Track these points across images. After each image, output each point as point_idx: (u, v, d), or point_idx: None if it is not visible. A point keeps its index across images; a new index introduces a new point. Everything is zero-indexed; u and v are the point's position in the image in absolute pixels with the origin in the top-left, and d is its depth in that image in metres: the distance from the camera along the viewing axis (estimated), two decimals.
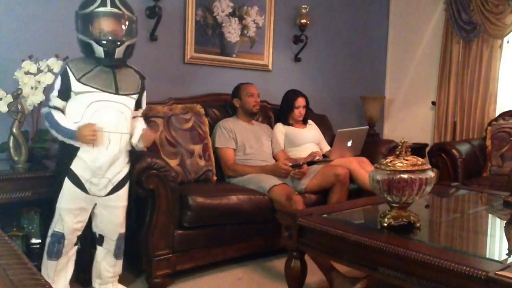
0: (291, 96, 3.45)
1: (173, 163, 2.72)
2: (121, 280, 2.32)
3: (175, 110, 2.95)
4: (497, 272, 1.35)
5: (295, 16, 3.96)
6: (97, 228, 2.16)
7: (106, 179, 2.04)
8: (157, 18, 3.13)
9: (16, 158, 2.31)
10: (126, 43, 2.01)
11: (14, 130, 2.29)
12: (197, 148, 2.91)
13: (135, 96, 2.13)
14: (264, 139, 3.25)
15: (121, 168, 2.09)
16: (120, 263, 2.22)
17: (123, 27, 2.01)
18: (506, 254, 1.69)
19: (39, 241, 2.44)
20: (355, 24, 4.53)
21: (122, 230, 2.18)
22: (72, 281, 2.19)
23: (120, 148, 2.06)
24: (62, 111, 2.02)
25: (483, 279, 1.36)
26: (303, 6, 3.87)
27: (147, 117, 2.74)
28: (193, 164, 2.86)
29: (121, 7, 1.99)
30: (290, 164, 2.96)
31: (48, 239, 2.05)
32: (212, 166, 3.00)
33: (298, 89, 3.52)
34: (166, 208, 2.35)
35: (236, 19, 3.61)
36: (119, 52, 1.99)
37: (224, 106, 3.37)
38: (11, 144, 2.31)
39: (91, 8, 1.94)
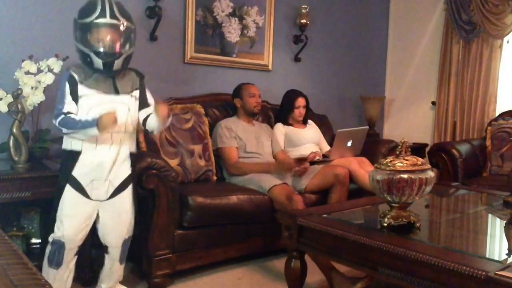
0: (291, 96, 3.45)
1: (173, 163, 2.72)
2: (121, 280, 2.32)
3: (175, 110, 2.95)
4: (497, 272, 1.35)
5: (295, 16, 3.96)
6: (101, 238, 2.12)
7: (107, 181, 2.01)
8: (157, 18, 3.13)
9: (16, 158, 2.31)
10: (124, 55, 1.99)
11: (14, 130, 2.29)
12: (197, 148, 2.91)
13: (136, 94, 2.10)
14: (264, 139, 3.26)
15: (123, 170, 2.06)
16: (123, 266, 2.22)
17: (122, 38, 1.99)
18: (506, 254, 1.69)
19: (39, 241, 2.45)
20: (355, 24, 4.53)
21: (128, 235, 2.14)
22: (72, 281, 2.19)
23: (123, 148, 2.04)
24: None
25: (483, 279, 1.36)
26: (303, 6, 3.87)
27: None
28: (193, 164, 2.86)
29: (120, 17, 1.97)
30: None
31: (48, 246, 2.01)
32: (212, 166, 3.00)
33: (298, 89, 3.53)
34: (166, 208, 2.35)
35: (236, 19, 3.61)
36: (117, 64, 1.98)
37: (224, 106, 3.37)
38: (11, 144, 2.31)
39: (91, 18, 1.91)
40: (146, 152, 2.60)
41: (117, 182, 2.04)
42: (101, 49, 1.93)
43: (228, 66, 3.62)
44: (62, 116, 1.93)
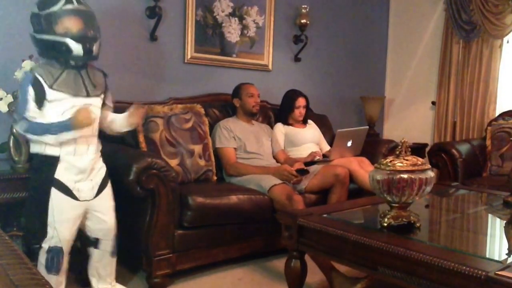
0: (291, 96, 3.45)
1: (173, 163, 2.72)
2: (121, 280, 2.32)
3: (175, 110, 2.95)
4: (497, 272, 1.35)
5: (295, 16, 3.96)
6: (91, 232, 2.12)
7: (90, 180, 2.03)
8: (157, 18, 3.13)
9: (16, 158, 2.31)
10: (99, 40, 1.98)
11: (14, 130, 2.29)
12: (197, 148, 2.91)
13: (103, 96, 2.10)
14: (264, 139, 3.26)
15: (100, 168, 2.10)
16: (115, 260, 2.21)
17: (94, 24, 1.98)
18: (506, 254, 1.69)
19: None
20: (355, 24, 4.53)
21: (115, 229, 2.17)
22: (72, 281, 2.19)
23: (97, 148, 2.08)
24: None
25: (483, 279, 1.36)
26: (303, 6, 3.87)
27: (147, 117, 2.75)
28: (193, 164, 2.86)
29: (84, 4, 1.97)
30: (296, 169, 2.93)
31: (44, 255, 1.97)
32: (212, 166, 3.00)
33: (298, 89, 3.53)
34: (166, 208, 2.35)
35: (236, 19, 3.61)
36: (96, 49, 1.97)
37: (224, 106, 3.37)
38: (11, 144, 2.31)
39: (58, 6, 1.87)
40: (146, 152, 2.60)
41: (99, 180, 2.07)
42: (79, 33, 1.90)
43: (228, 66, 3.62)
44: (28, 123, 1.88)
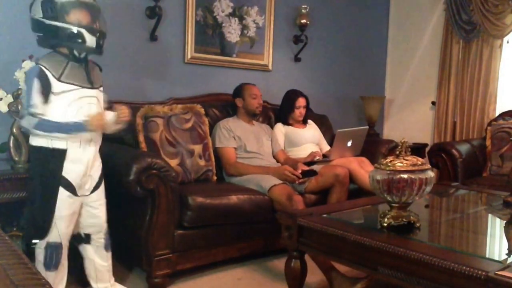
0: (291, 96, 3.45)
1: (173, 163, 2.72)
2: (121, 280, 2.32)
3: (175, 110, 2.95)
4: (497, 272, 1.35)
5: (295, 16, 3.96)
6: (83, 228, 2.12)
7: (89, 176, 2.04)
8: (157, 18, 3.13)
9: (16, 158, 2.31)
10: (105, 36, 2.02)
11: (14, 130, 2.30)
12: (197, 148, 2.91)
13: (101, 88, 2.11)
14: (265, 139, 3.26)
15: (99, 164, 2.11)
16: (110, 255, 2.20)
17: (102, 18, 2.02)
18: (506, 254, 1.69)
19: (37, 241, 2.44)
20: (355, 24, 4.53)
21: (106, 225, 2.17)
22: (72, 281, 2.19)
23: (97, 144, 2.08)
24: None
25: (483, 279, 1.36)
26: (303, 6, 3.87)
27: (147, 117, 2.75)
28: (193, 164, 2.86)
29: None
30: (301, 170, 2.91)
31: (42, 252, 1.97)
32: (212, 166, 3.00)
33: (298, 89, 3.53)
34: (166, 208, 2.35)
35: (236, 19, 3.61)
36: (105, 44, 2.00)
37: (224, 106, 3.37)
38: (11, 144, 2.31)
39: None
40: (146, 152, 2.60)
41: (96, 177, 2.08)
42: (91, 26, 1.94)
43: (228, 66, 3.62)
44: (37, 120, 1.86)
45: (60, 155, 1.93)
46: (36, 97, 1.86)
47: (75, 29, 1.88)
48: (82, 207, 2.07)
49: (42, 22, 1.90)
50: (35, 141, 1.95)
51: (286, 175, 2.86)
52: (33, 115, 1.86)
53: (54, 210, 1.94)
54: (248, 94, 3.20)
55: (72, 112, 1.91)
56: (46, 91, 1.87)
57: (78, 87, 1.94)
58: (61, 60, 1.93)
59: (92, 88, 2.01)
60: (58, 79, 1.88)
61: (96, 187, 2.08)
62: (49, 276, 1.98)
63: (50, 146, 1.92)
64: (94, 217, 2.11)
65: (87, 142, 2.00)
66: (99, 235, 2.15)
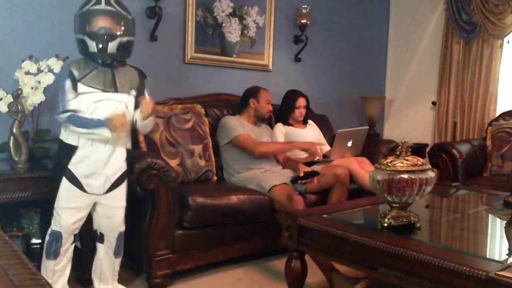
0: (291, 96, 3.45)
1: (173, 163, 2.72)
2: (121, 280, 2.32)
3: (175, 110, 2.95)
4: (497, 272, 1.35)
5: (295, 16, 3.96)
6: (97, 227, 2.17)
7: (104, 176, 2.05)
8: (157, 18, 3.13)
9: (16, 158, 2.31)
10: (119, 39, 2.02)
11: (14, 130, 2.30)
12: (197, 148, 2.91)
13: (134, 93, 2.14)
14: (265, 139, 3.25)
15: (119, 166, 2.10)
16: (118, 261, 2.22)
17: (117, 24, 2.03)
18: (506, 254, 1.69)
19: (39, 241, 2.44)
20: (355, 24, 4.53)
21: (122, 228, 2.18)
22: (72, 281, 2.19)
23: (118, 145, 2.08)
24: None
25: (483, 279, 1.36)
26: (303, 6, 3.87)
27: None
28: (193, 164, 2.86)
29: (115, 5, 2.04)
30: (304, 172, 2.93)
31: (46, 238, 2.06)
32: (212, 166, 3.00)
33: (298, 89, 3.52)
34: (166, 208, 2.35)
35: (236, 19, 3.61)
36: (111, 47, 2.01)
37: (225, 106, 3.37)
38: (11, 144, 2.31)
39: (88, 6, 2.00)
40: (146, 152, 2.60)
41: (113, 178, 2.08)
42: (96, 32, 1.98)
43: (228, 66, 3.62)
44: (70, 113, 1.96)
45: (70, 149, 2.01)
46: (70, 95, 1.99)
47: (79, 37, 2.01)
48: (97, 205, 2.11)
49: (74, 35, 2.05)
50: (60, 135, 2.08)
51: (314, 149, 2.97)
52: (67, 111, 1.97)
53: (56, 200, 2.02)
54: (263, 99, 3.20)
55: (89, 113, 1.98)
56: (74, 90, 1.99)
57: (97, 91, 2.01)
58: (91, 65, 2.04)
59: (116, 92, 2.05)
60: (79, 80, 1.99)
61: (112, 188, 2.09)
62: (47, 264, 2.04)
63: (65, 140, 2.04)
64: (108, 217, 2.13)
65: (102, 142, 2.02)
66: (112, 237, 2.16)
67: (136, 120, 2.14)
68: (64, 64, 2.16)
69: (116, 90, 2.05)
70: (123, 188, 2.13)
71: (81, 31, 2.01)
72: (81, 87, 1.99)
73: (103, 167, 2.04)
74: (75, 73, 1.99)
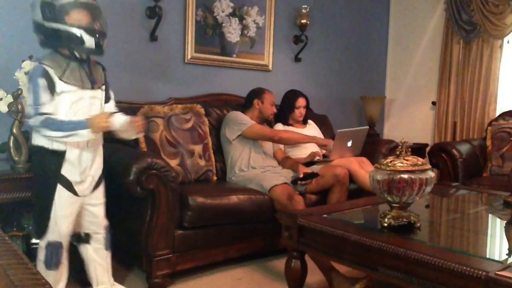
0: (291, 96, 3.45)
1: (173, 163, 2.72)
2: (121, 280, 2.32)
3: (175, 110, 2.95)
4: (497, 272, 1.35)
5: (295, 16, 3.96)
6: (83, 228, 2.13)
7: (90, 177, 2.04)
8: (157, 18, 3.13)
9: (16, 158, 2.31)
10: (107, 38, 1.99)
11: (14, 130, 2.29)
12: (197, 148, 2.91)
13: (103, 87, 2.09)
14: None
15: (101, 164, 2.10)
16: (110, 254, 2.20)
17: (101, 18, 1.99)
18: (506, 254, 1.69)
19: (39, 241, 2.44)
20: (355, 24, 4.53)
21: (106, 222, 2.17)
22: (72, 281, 2.19)
23: (98, 143, 2.07)
24: None
25: (483, 279, 1.36)
26: (303, 6, 3.87)
27: (147, 117, 2.74)
28: (193, 164, 2.86)
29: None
30: (304, 174, 2.92)
31: (43, 251, 1.98)
32: (212, 166, 3.00)
33: (298, 89, 3.52)
34: (166, 208, 2.35)
35: (236, 19, 3.61)
36: (105, 44, 1.97)
37: (225, 106, 3.37)
38: (11, 144, 2.31)
39: None
40: (146, 152, 2.60)
41: (96, 177, 2.08)
42: (90, 26, 1.91)
43: (228, 66, 3.62)
44: (44, 116, 1.84)
45: (59, 155, 1.94)
46: (44, 96, 1.85)
47: (73, 31, 1.87)
48: (81, 207, 2.07)
49: (42, 24, 1.89)
50: (36, 141, 1.95)
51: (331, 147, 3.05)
52: (41, 114, 1.84)
53: (52, 210, 1.95)
54: (268, 101, 3.20)
55: (72, 113, 1.91)
56: (51, 90, 1.87)
57: (78, 88, 1.93)
58: (62, 60, 1.92)
59: (93, 88, 2.00)
60: (60, 79, 1.88)
61: (95, 187, 2.08)
62: (49, 275, 1.99)
63: (50, 147, 1.93)
64: (93, 216, 2.11)
65: (84, 144, 1.98)
66: (99, 234, 2.15)
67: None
68: (37, 64, 1.92)
69: (92, 85, 1.99)
70: (102, 185, 2.13)
71: (66, 23, 1.85)
72: (62, 85, 1.88)
73: (89, 168, 2.03)
74: (51, 71, 1.87)
